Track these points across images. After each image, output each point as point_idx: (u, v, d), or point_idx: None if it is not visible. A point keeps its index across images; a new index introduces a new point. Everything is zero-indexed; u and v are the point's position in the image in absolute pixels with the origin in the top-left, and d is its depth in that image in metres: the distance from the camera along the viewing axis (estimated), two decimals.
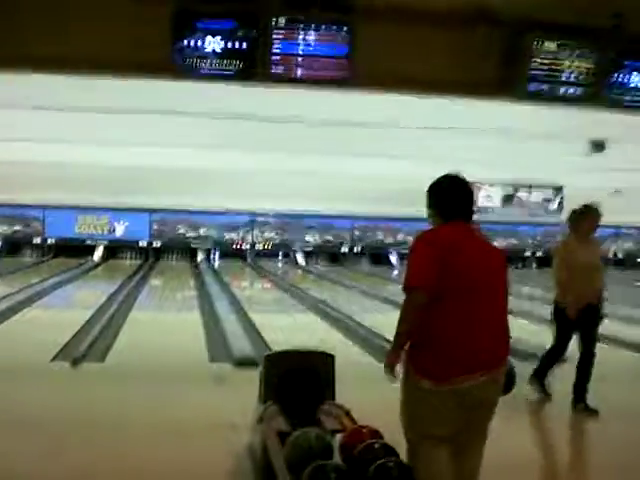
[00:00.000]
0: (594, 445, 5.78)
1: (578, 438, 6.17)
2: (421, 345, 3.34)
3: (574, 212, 6.60)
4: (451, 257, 3.31)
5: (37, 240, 22.28)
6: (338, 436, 3.97)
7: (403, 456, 3.44)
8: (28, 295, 12.68)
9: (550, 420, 6.42)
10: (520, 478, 4.60)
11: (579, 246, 6.43)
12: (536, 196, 23.87)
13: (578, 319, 6.29)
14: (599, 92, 9.10)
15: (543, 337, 7.62)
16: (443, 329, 3.30)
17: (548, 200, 23.88)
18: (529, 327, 10.56)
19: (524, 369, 7.95)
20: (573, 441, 6.13)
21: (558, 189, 23.67)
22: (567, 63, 8.93)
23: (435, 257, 3.29)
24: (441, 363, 3.29)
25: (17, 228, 22.17)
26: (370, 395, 6.36)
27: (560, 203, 23.72)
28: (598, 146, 17.53)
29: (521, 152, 17.54)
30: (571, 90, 9.04)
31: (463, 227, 3.48)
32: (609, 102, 9.25)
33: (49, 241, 22.30)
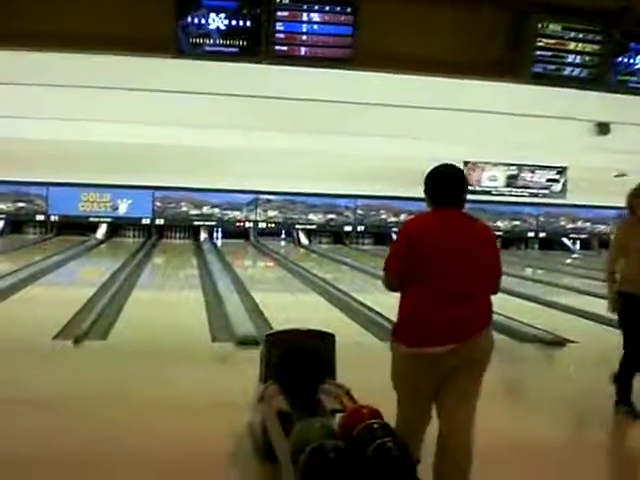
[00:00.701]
0: None
1: None
2: (400, 315, 3.82)
3: (632, 192, 5.76)
4: (421, 242, 3.74)
5: (40, 218, 22.29)
6: (338, 416, 3.98)
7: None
8: (31, 272, 12.70)
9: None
10: None
11: (635, 229, 5.69)
12: (540, 176, 23.82)
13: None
14: (604, 74, 9.06)
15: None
16: (415, 303, 3.76)
17: (552, 181, 23.83)
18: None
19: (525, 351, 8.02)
20: None
21: (562, 170, 23.61)
22: (572, 45, 8.90)
23: (405, 244, 3.78)
24: (413, 332, 3.73)
25: (20, 205, 22.17)
26: (371, 375, 6.38)
27: (564, 184, 23.68)
28: (603, 128, 17.48)
29: (525, 133, 17.47)
30: (576, 72, 9.02)
31: (449, 214, 3.85)
32: (613, 84, 9.21)
33: (52, 219, 22.30)
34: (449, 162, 3.96)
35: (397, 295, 3.85)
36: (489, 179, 23.33)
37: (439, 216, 3.86)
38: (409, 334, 3.74)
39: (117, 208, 22.51)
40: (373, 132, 17.32)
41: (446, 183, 3.90)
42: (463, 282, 3.73)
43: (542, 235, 25.28)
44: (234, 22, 8.24)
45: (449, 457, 3.69)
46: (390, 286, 3.85)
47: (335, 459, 3.22)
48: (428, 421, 3.85)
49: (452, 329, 3.67)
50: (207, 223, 23.07)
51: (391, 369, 3.90)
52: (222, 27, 8.24)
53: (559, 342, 8.15)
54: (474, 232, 3.89)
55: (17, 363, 6.48)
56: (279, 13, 8.29)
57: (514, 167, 23.45)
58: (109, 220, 22.57)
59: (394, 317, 3.82)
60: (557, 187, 23.82)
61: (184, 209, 22.85)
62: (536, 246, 25.45)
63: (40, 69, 11.48)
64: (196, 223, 23.00)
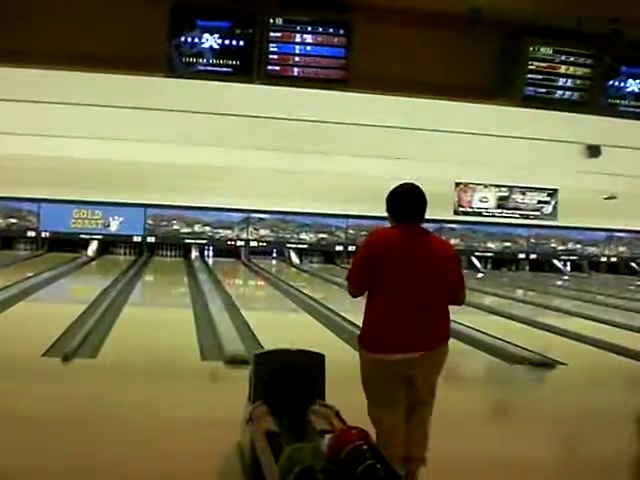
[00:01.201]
0: None
1: None
2: (363, 323, 4.13)
3: None
4: (382, 255, 4.01)
5: (31, 234, 22.27)
6: (327, 437, 3.98)
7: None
8: (21, 289, 12.67)
9: None
10: None
11: None
12: (530, 198, 23.89)
13: None
14: (595, 98, 9.11)
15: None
16: (376, 312, 4.05)
17: (543, 202, 23.91)
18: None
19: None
20: None
21: (553, 192, 23.70)
22: (563, 68, 8.95)
23: (366, 257, 4.08)
24: (374, 339, 4.05)
25: (12, 221, 22.14)
26: (361, 395, 6.39)
27: (555, 206, 23.76)
28: (594, 151, 17.55)
29: (516, 155, 17.54)
30: (567, 95, 9.06)
31: (408, 228, 4.09)
32: (605, 108, 9.27)
33: (43, 235, 22.28)
34: (412, 181, 4.24)
35: None
36: (480, 200, 23.40)
37: (399, 231, 4.09)
38: (370, 341, 4.05)
39: (108, 225, 22.50)
40: (365, 153, 17.37)
41: (407, 201, 4.14)
42: (420, 294, 3.99)
43: (533, 256, 25.38)
44: (227, 42, 8.25)
45: (408, 448, 4.06)
46: (352, 294, 4.23)
47: None
48: (401, 426, 4.07)
49: (409, 338, 3.98)
50: (198, 241, 23.08)
51: (360, 374, 4.19)
52: (215, 46, 8.25)
53: (548, 364, 8.16)
54: (432, 247, 4.14)
55: (5, 380, 6.44)
56: (272, 34, 8.30)
57: (505, 189, 23.52)
58: (100, 237, 22.56)
59: None
60: (548, 209, 23.90)
61: (175, 227, 22.86)
62: (527, 267, 25.55)
63: (32, 86, 11.48)
64: (187, 241, 23.01)
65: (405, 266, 4.01)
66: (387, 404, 4.08)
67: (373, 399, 4.14)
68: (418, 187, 4.20)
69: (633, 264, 25.81)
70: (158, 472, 4.37)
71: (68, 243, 22.30)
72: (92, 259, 21.44)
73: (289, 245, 23.60)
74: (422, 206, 4.15)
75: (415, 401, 4.13)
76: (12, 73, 9.99)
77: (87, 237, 22.43)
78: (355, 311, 7.82)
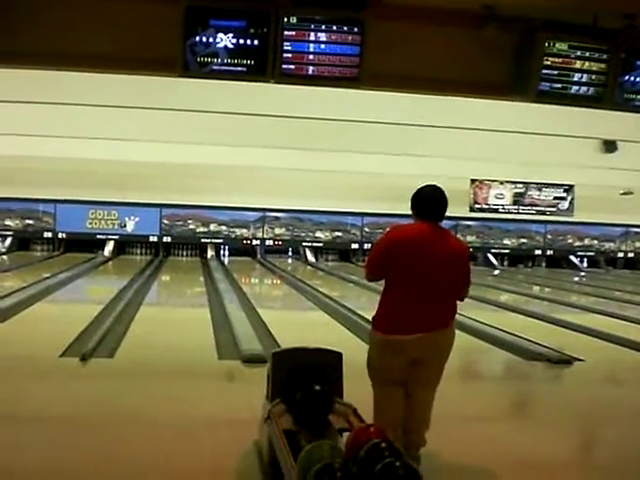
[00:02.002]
0: None
1: None
2: (379, 309, 4.57)
3: None
4: (399, 249, 4.46)
5: (48, 235, 22.39)
6: (345, 435, 3.98)
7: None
8: (39, 290, 12.73)
9: None
10: None
11: None
12: (547, 194, 23.81)
13: None
14: (611, 93, 9.06)
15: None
16: (390, 298, 4.51)
17: (559, 199, 23.82)
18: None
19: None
20: None
21: (569, 188, 23.61)
22: (578, 63, 8.90)
23: (384, 250, 4.53)
24: (387, 322, 4.49)
25: (29, 222, 22.26)
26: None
27: (571, 202, 23.67)
28: (610, 146, 17.49)
29: (532, 151, 17.49)
30: (582, 90, 9.01)
31: (428, 226, 4.51)
32: (620, 103, 9.21)
33: (60, 236, 22.40)
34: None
35: None
36: (496, 197, 23.34)
37: (420, 227, 4.53)
38: (385, 324, 4.49)
39: (125, 225, 22.58)
40: (380, 150, 17.36)
41: (428, 201, 4.57)
42: (433, 284, 4.44)
43: (549, 253, 25.26)
44: (242, 41, 8.25)
45: (410, 426, 4.49)
46: (368, 279, 4.73)
47: (342, 478, 3.21)
48: (401, 408, 4.49)
49: (419, 322, 4.41)
50: (214, 241, 23.12)
51: (367, 357, 4.66)
52: (230, 46, 8.25)
53: (566, 360, 8.13)
54: (448, 244, 4.56)
55: (24, 380, 6.49)
56: (287, 32, 8.30)
57: (521, 185, 23.47)
58: (116, 237, 22.64)
59: None
60: (564, 205, 23.82)
61: (191, 227, 22.91)
62: (543, 264, 25.44)
63: (48, 88, 11.54)
64: (203, 241, 23.06)
65: (421, 260, 4.41)
66: (391, 386, 4.51)
67: (378, 381, 4.57)
68: (440, 189, 4.58)
69: None
70: (176, 471, 4.39)
71: (85, 244, 22.42)
72: (108, 259, 21.52)
73: (305, 243, 23.61)
74: (442, 206, 4.54)
75: (423, 382, 4.52)
76: (27, 75, 10.05)
77: (103, 237, 22.53)
78: (372, 309, 7.83)
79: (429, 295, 4.43)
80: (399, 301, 4.46)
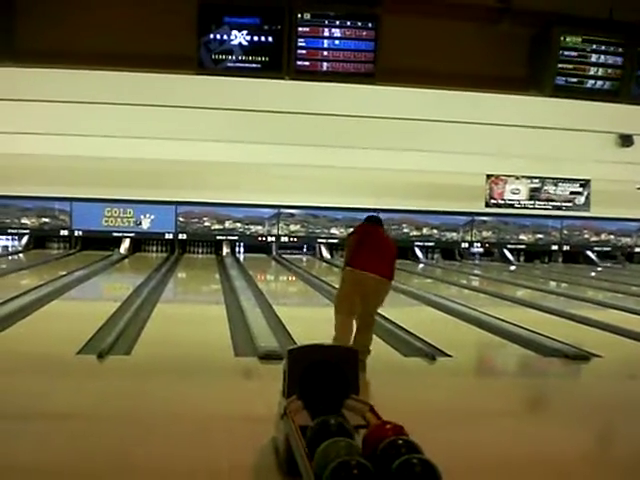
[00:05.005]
0: None
1: None
2: (351, 257, 7.45)
3: None
4: (366, 229, 7.68)
5: (64, 233, 22.49)
6: (361, 432, 3.97)
7: (426, 451, 3.43)
8: (55, 287, 12.79)
9: None
10: None
11: None
12: (563, 189, 23.69)
13: None
14: (627, 86, 9.00)
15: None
16: (358, 253, 7.39)
17: (575, 193, 23.70)
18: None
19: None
20: None
21: (585, 183, 23.49)
22: (594, 57, 8.85)
23: (356, 237, 7.61)
24: (355, 262, 7.36)
25: (45, 220, 22.37)
26: (394, 390, 6.37)
27: (587, 197, 23.56)
28: (626, 140, 17.38)
29: (548, 146, 17.40)
30: (598, 84, 8.96)
31: (374, 226, 7.75)
32: (637, 97, 9.15)
33: (76, 234, 22.50)
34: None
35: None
36: (512, 192, 23.24)
37: (373, 227, 7.75)
38: (355, 264, 7.37)
39: (140, 223, 22.66)
40: (395, 146, 17.31)
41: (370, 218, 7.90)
42: (381, 255, 7.43)
43: (566, 248, 25.16)
44: (256, 38, 8.25)
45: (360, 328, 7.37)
46: (347, 251, 7.62)
47: (359, 476, 3.20)
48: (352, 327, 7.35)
49: (371, 269, 7.27)
50: (229, 238, 23.16)
51: (337, 293, 7.75)
52: (244, 43, 8.25)
53: (583, 356, 8.09)
54: (387, 237, 8.02)
55: (41, 378, 6.51)
56: (300, 29, 8.29)
57: (537, 180, 23.36)
58: (132, 235, 22.72)
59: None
60: (580, 200, 23.70)
61: (207, 224, 22.97)
62: (560, 259, 25.34)
63: (63, 86, 11.56)
64: (219, 238, 23.11)
65: (373, 242, 7.51)
66: (351, 306, 7.35)
67: (343, 304, 7.42)
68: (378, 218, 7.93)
69: None
70: (194, 467, 4.39)
71: (101, 241, 22.51)
72: (124, 257, 21.60)
73: (320, 240, 23.61)
74: (378, 218, 7.91)
75: (363, 310, 7.38)
76: (41, 74, 10.08)
77: (119, 235, 22.62)
78: (387, 306, 7.85)
79: (379, 258, 7.38)
80: (363, 258, 7.35)
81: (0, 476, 4.14)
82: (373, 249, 7.40)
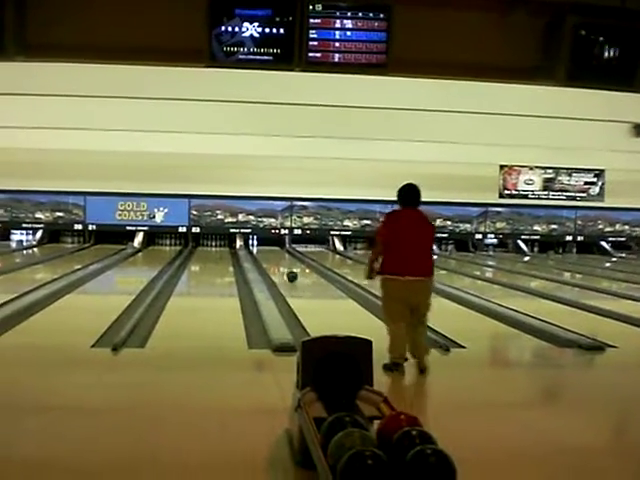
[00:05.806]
0: None
1: None
2: (384, 261, 6.79)
3: None
4: (394, 224, 6.85)
5: (78, 227, 22.58)
6: (375, 423, 3.96)
7: (440, 442, 3.42)
8: (69, 281, 12.83)
9: None
10: None
11: None
12: (577, 179, 23.60)
13: None
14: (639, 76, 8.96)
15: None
16: (391, 255, 6.74)
17: (590, 184, 23.60)
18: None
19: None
20: None
21: (599, 173, 23.38)
22: (607, 47, 8.80)
23: (385, 225, 6.92)
24: (391, 268, 6.72)
25: (59, 215, 22.46)
26: (408, 381, 6.37)
27: (602, 187, 23.45)
28: None
29: (562, 136, 17.33)
30: (612, 73, 8.91)
31: (409, 210, 6.92)
32: None
33: (90, 228, 22.58)
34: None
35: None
36: (526, 183, 23.17)
37: (407, 211, 6.93)
38: (390, 269, 6.72)
39: (154, 217, 22.70)
40: (408, 137, 17.30)
41: (407, 194, 6.98)
42: (416, 246, 6.75)
43: (580, 239, 25.05)
44: (267, 30, 8.25)
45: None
46: (377, 248, 6.91)
47: (373, 466, 3.20)
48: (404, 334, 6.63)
49: (408, 270, 6.63)
50: (243, 230, 23.19)
51: (382, 299, 6.98)
52: (256, 35, 8.25)
53: (598, 347, 8.05)
54: (425, 221, 6.99)
55: (56, 371, 6.54)
56: (312, 20, 8.28)
57: (551, 170, 23.28)
58: (146, 229, 22.78)
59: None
60: (595, 190, 23.61)
61: (220, 217, 22.99)
62: (574, 250, 25.24)
63: (78, 81, 11.60)
64: (232, 231, 23.14)
65: (405, 231, 6.77)
66: (400, 319, 6.64)
67: (390, 311, 6.79)
68: (414, 185, 6.99)
69: None
70: (208, 459, 4.39)
71: (114, 235, 22.60)
72: (138, 250, 21.66)
73: (333, 232, 23.59)
74: (417, 197, 6.97)
75: (414, 315, 6.66)
76: (54, 68, 10.12)
77: (133, 229, 22.68)
78: None
79: (414, 253, 6.70)
80: (396, 256, 6.69)
81: (15, 469, 4.16)
82: (407, 242, 6.65)
